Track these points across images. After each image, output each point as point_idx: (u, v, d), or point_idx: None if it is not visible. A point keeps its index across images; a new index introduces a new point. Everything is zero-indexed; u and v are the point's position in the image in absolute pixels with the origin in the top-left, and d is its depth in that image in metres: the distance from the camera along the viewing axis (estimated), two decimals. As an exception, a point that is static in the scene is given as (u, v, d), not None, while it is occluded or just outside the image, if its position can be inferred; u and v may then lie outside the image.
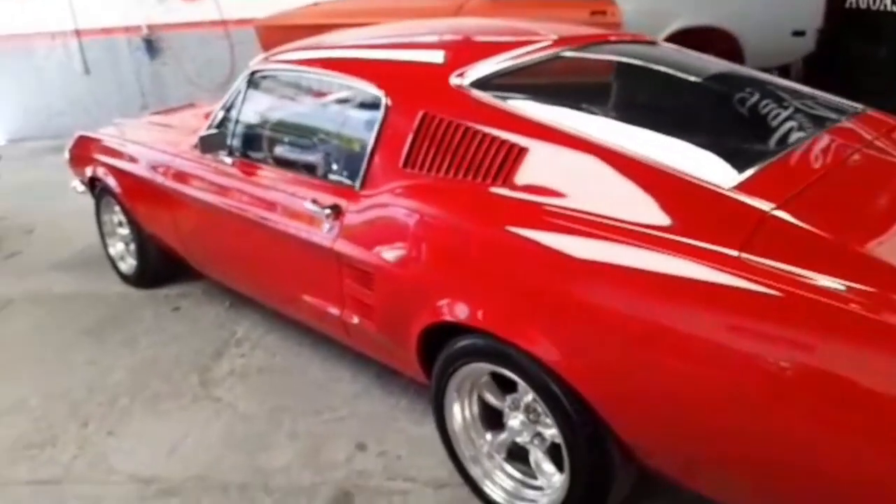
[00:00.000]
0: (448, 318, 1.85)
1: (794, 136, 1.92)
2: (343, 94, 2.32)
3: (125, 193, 3.37)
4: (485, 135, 1.87)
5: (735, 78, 2.45)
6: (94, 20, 7.18)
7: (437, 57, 2.32)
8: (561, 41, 2.38)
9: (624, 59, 2.47)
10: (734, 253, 1.44)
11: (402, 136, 2.04)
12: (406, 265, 1.97)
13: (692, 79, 2.34)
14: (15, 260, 4.29)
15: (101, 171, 3.52)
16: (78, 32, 7.26)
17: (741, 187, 1.59)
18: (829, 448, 1.31)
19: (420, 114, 2.00)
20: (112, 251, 3.77)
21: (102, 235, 3.80)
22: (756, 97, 2.19)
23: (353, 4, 5.56)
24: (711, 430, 1.47)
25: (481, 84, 2.03)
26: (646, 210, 1.59)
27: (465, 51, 2.29)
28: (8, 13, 7.19)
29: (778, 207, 1.53)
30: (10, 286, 3.86)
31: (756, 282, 1.38)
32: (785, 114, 2.07)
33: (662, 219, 1.57)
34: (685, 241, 1.49)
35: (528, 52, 2.26)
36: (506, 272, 1.73)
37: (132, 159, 3.27)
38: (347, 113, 2.30)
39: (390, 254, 2.01)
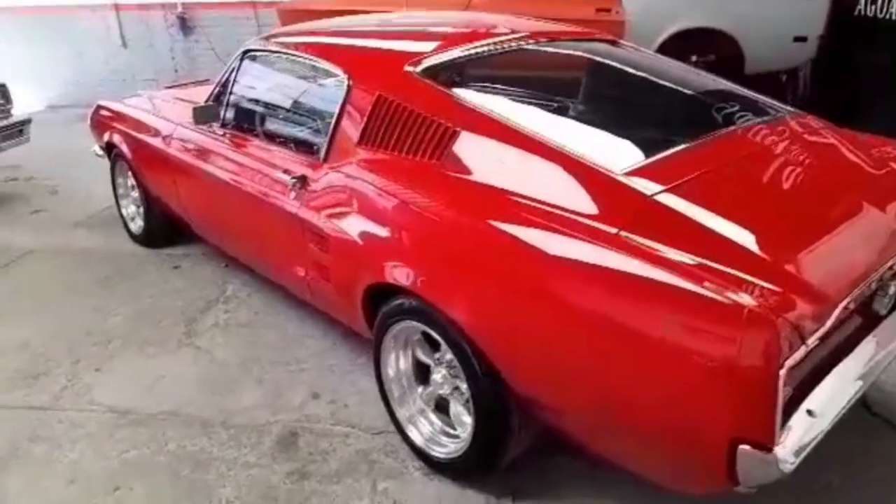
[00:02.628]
0: (385, 279, 2.07)
1: (706, 129, 2.08)
2: (316, 76, 2.55)
3: (134, 159, 3.67)
4: (425, 117, 2.08)
5: (670, 76, 2.61)
6: (133, -4, 7.56)
7: (402, 45, 2.54)
8: (523, 36, 2.57)
9: (573, 55, 2.66)
10: (613, 230, 1.64)
11: (360, 115, 2.27)
12: (353, 231, 2.20)
13: (630, 75, 2.52)
14: (39, 216, 4.65)
15: (115, 138, 3.82)
16: (117, 7, 7.65)
17: (634, 172, 1.78)
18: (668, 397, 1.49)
19: (375, 95, 2.22)
20: (124, 212, 4.08)
21: (116, 197, 4.12)
22: (683, 94, 2.36)
23: (370, -7, 5.78)
24: (586, 384, 1.66)
25: (431, 71, 2.24)
26: (545, 189, 1.79)
27: (428, 40, 2.50)
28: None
29: (661, 192, 1.72)
30: (31, 239, 4.21)
31: (627, 255, 1.56)
32: (706, 109, 2.24)
33: (559, 198, 1.77)
34: (574, 217, 1.70)
35: (487, 45, 2.46)
36: (429, 241, 1.95)
37: (141, 127, 3.56)
38: (319, 92, 2.53)
39: (342, 221, 2.25)
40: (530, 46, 2.56)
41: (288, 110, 2.70)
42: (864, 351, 1.72)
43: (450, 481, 2.12)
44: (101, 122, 4.01)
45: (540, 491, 2.07)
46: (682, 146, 1.96)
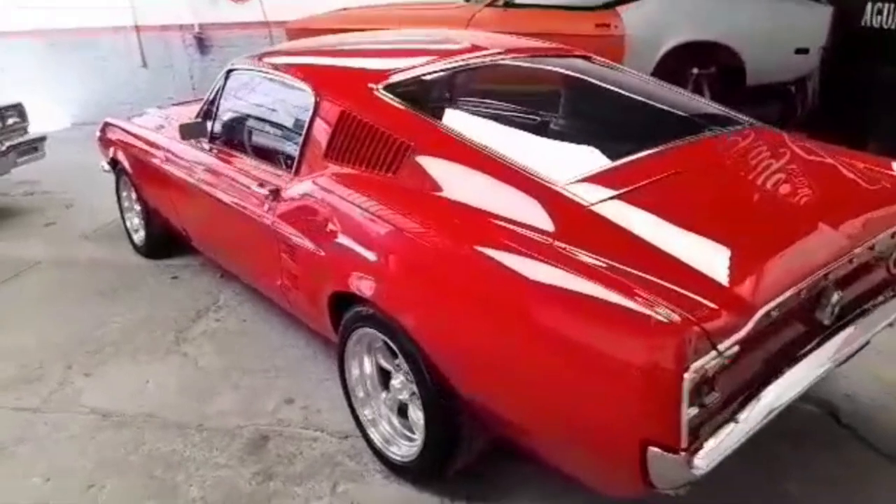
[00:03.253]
0: (345, 288, 2.15)
1: (661, 141, 2.13)
2: (289, 93, 2.64)
3: (135, 173, 3.82)
4: (383, 133, 2.16)
5: (636, 90, 2.65)
6: (153, 18, 7.82)
7: (371, 63, 2.63)
8: (495, 53, 2.64)
9: (541, 71, 2.72)
10: (548, 240, 1.69)
11: (326, 130, 2.36)
12: (318, 242, 2.28)
13: (594, 90, 2.57)
14: (51, 228, 4.84)
15: (119, 154, 3.99)
16: (138, 28, 7.92)
17: (577, 182, 1.84)
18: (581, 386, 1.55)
19: (339, 111, 2.32)
20: (128, 225, 4.24)
21: (121, 210, 4.28)
22: (645, 107, 2.40)
23: (373, 12, 5.93)
24: (519, 387, 1.71)
25: (394, 88, 2.32)
26: (488, 200, 1.86)
27: (399, 58, 2.59)
28: (77, 8, 7.89)
29: (600, 202, 1.77)
30: (41, 250, 4.39)
31: (554, 265, 1.62)
32: (665, 122, 2.29)
33: (500, 208, 1.83)
34: (512, 227, 1.76)
35: (456, 62, 2.54)
36: (380, 252, 2.02)
37: (140, 143, 3.71)
38: (291, 109, 2.62)
39: (307, 232, 2.33)
40: (500, 62, 2.63)
41: (266, 126, 2.81)
42: (804, 362, 1.75)
43: (408, 484, 2.17)
44: (107, 138, 4.18)
45: (494, 495, 2.11)
46: (633, 157, 2.01)
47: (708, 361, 1.40)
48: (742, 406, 1.60)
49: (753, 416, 1.58)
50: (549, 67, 2.74)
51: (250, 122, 2.90)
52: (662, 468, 1.42)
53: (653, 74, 5.84)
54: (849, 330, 1.92)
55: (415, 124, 2.15)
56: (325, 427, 2.48)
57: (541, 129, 2.20)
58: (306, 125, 2.44)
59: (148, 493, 2.21)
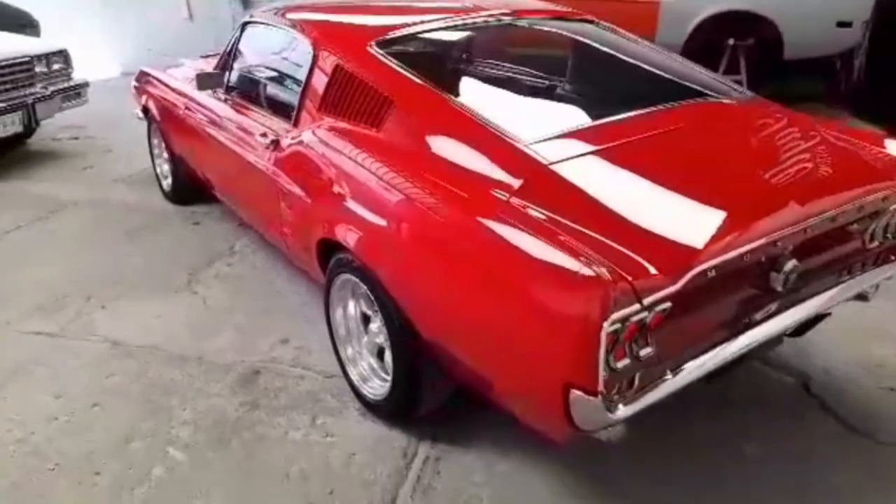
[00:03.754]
0: (331, 236, 2.27)
1: (640, 105, 2.16)
2: (295, 46, 2.75)
3: (162, 121, 4.00)
4: (369, 87, 2.25)
5: (631, 55, 2.65)
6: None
7: (372, 20, 2.70)
8: (497, 13, 2.68)
9: (539, 33, 2.74)
10: (504, 195, 1.77)
11: (321, 84, 2.46)
12: (308, 191, 2.41)
13: (586, 54, 2.59)
14: (89, 172, 5.11)
15: (150, 102, 4.17)
16: (185, -18, 8.12)
17: (542, 141, 1.90)
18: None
19: (333, 66, 2.41)
20: (158, 171, 4.45)
21: (152, 157, 4.48)
22: (634, 72, 2.42)
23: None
24: (470, 331, 1.82)
25: (388, 45, 2.39)
26: (456, 155, 1.94)
27: (403, 15, 2.65)
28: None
29: (561, 161, 1.84)
30: (77, 192, 4.65)
31: (505, 220, 1.70)
32: (648, 87, 2.30)
33: (466, 162, 1.91)
34: (475, 181, 1.84)
35: (456, 21, 2.59)
36: (356, 202, 2.13)
37: (168, 93, 3.88)
38: (296, 62, 2.73)
39: (299, 181, 2.46)
40: (499, 23, 2.67)
41: (274, 78, 2.93)
42: (753, 327, 1.81)
43: (381, 423, 2.31)
44: (141, 87, 4.37)
45: (458, 438, 2.23)
46: (606, 120, 2.06)
47: (632, 314, 1.47)
48: (679, 363, 1.68)
49: (684, 374, 1.66)
50: (548, 30, 2.76)
51: (261, 74, 3.02)
52: (582, 410, 1.50)
53: (685, 44, 5.75)
54: (809, 299, 1.96)
55: (398, 81, 2.23)
56: (312, 366, 2.64)
57: (525, 90, 2.26)
58: (305, 78, 2.54)
59: (144, 414, 2.40)
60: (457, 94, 2.12)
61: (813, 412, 2.37)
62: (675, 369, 1.67)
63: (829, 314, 2.18)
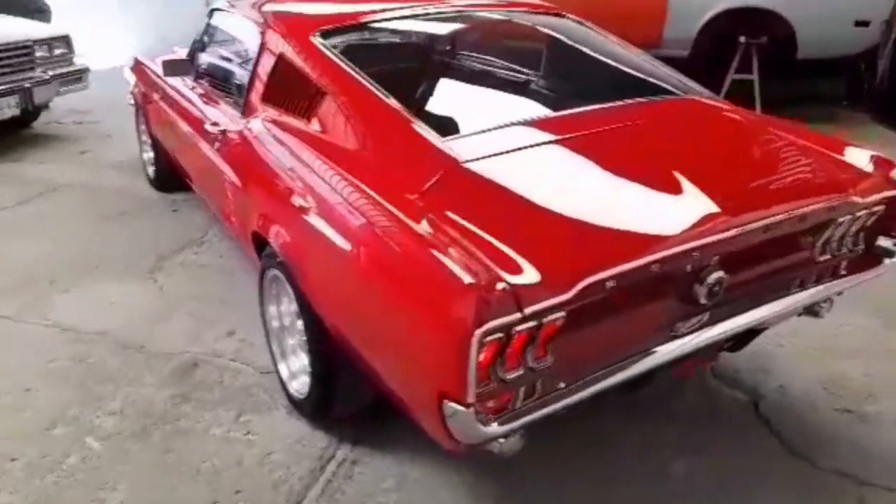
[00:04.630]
0: (258, 229, 2.23)
1: (578, 102, 2.07)
2: (248, 34, 2.70)
3: (143, 108, 4.01)
4: (305, 79, 2.19)
5: (590, 48, 2.54)
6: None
7: (322, 9, 2.64)
8: (461, 5, 2.60)
9: (494, 23, 2.65)
10: (409, 194, 1.70)
11: (265, 73, 2.41)
12: (244, 182, 2.37)
13: (538, 47, 2.49)
14: (85, 156, 5.17)
15: (136, 89, 4.19)
16: (201, -30, 8.15)
17: (460, 138, 1.83)
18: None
19: (275, 56, 2.36)
20: (144, 157, 4.47)
21: (140, 144, 4.51)
22: (586, 68, 2.32)
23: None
24: (368, 333, 1.76)
25: (329, 34, 2.33)
26: (372, 150, 1.88)
27: (360, 3, 2.58)
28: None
29: (475, 160, 1.76)
30: (71, 175, 4.71)
31: (400, 220, 1.63)
32: (594, 84, 2.21)
33: (380, 156, 1.85)
34: (379, 179, 1.78)
35: (411, 11, 2.52)
36: (274, 195, 2.08)
37: (149, 81, 3.88)
38: (249, 50, 2.69)
39: (239, 172, 2.42)
40: (457, 14, 2.58)
41: (232, 66, 2.89)
42: (674, 340, 1.72)
43: (306, 423, 2.26)
44: (133, 74, 4.39)
45: (378, 443, 2.16)
46: (540, 116, 1.98)
47: (512, 323, 1.39)
48: (583, 375, 1.59)
49: (585, 388, 1.57)
50: (508, 22, 2.67)
51: (222, 62, 2.99)
52: (456, 421, 1.43)
53: (695, 41, 5.57)
54: (743, 313, 1.85)
55: (334, 73, 2.16)
56: (252, 361, 2.60)
57: (472, 82, 2.17)
58: (251, 67, 2.50)
59: (74, 401, 2.39)
60: (394, 88, 2.04)
61: (756, 431, 2.25)
62: (575, 383, 1.59)
63: (766, 328, 2.06)
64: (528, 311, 1.41)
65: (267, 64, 2.42)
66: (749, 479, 2.04)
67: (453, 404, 1.42)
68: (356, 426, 2.21)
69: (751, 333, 2.02)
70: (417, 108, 1.97)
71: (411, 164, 1.80)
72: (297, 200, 1.96)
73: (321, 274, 1.89)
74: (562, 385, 1.56)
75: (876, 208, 2.04)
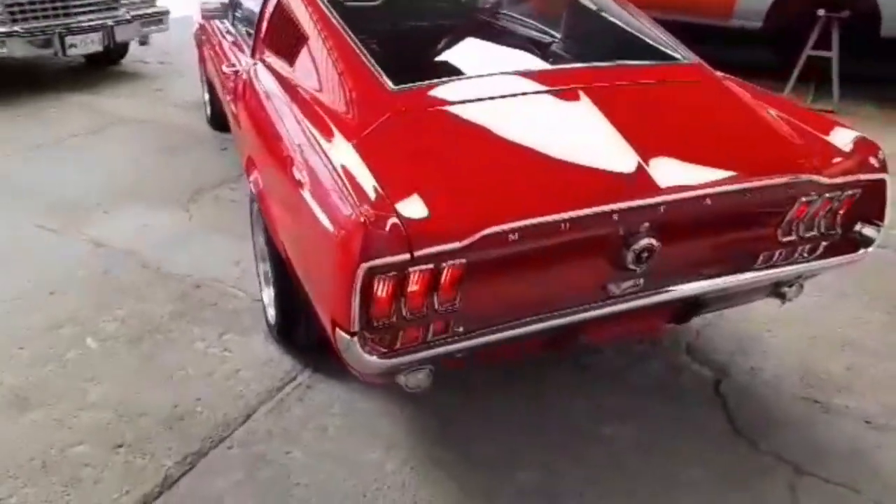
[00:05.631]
0: (244, 164, 2.41)
1: (552, 60, 2.09)
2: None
3: (199, 50, 4.27)
4: (295, 25, 2.31)
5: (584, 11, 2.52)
6: None
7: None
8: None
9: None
10: (353, 140, 1.81)
11: (267, 16, 2.55)
12: (239, 123, 2.54)
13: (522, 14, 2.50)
14: (158, 93, 5.55)
15: (195, 31, 4.45)
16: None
17: (407, 90, 1.90)
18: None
19: (276, 1, 2.49)
20: (205, 98, 4.76)
21: (202, 84, 4.80)
22: (572, 29, 2.32)
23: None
24: (298, 258, 1.90)
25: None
26: (329, 93, 1.99)
27: None
28: None
29: (418, 111, 1.84)
30: (139, 110, 5.08)
31: (330, 156, 1.75)
32: (574, 45, 2.20)
33: (335, 102, 1.96)
34: (327, 121, 1.89)
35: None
36: (253, 134, 2.23)
37: (202, 21, 4.12)
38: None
39: (240, 111, 2.59)
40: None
41: (253, 10, 3.04)
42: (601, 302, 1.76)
43: (276, 347, 2.44)
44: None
45: (336, 373, 2.28)
46: (494, 72, 2.02)
47: (402, 263, 1.48)
48: (486, 325, 1.66)
49: (483, 336, 1.64)
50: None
51: (248, 5, 3.16)
52: (345, 349, 1.54)
53: (768, 13, 5.27)
54: (682, 284, 1.85)
55: (319, 19, 2.25)
56: (247, 289, 2.80)
57: (441, 41, 2.24)
58: (259, 12, 2.65)
59: (87, 306, 2.68)
60: (371, 38, 2.13)
61: (707, 408, 2.24)
62: (475, 331, 1.65)
63: (717, 305, 2.03)
64: (418, 253, 1.49)
65: (270, 7, 2.55)
66: (679, 452, 2.05)
67: (341, 332, 1.53)
68: (321, 355, 2.36)
69: (695, 306, 2.00)
70: (387, 57, 2.04)
71: (362, 108, 1.89)
72: (266, 140, 2.10)
73: (275, 208, 2.03)
74: (460, 329, 1.64)
75: (849, 191, 1.97)
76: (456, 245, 1.52)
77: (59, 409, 2.15)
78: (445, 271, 1.56)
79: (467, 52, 2.26)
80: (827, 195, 1.93)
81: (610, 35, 2.35)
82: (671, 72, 2.24)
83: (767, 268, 1.97)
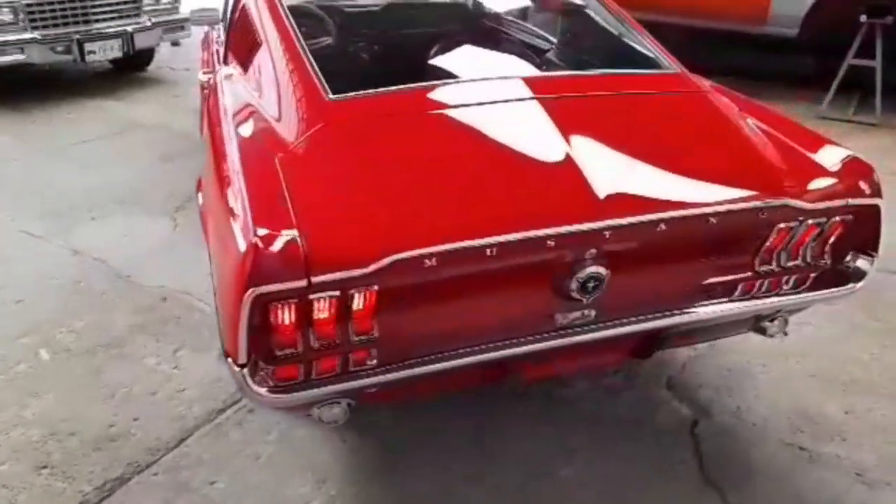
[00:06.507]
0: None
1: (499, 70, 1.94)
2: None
3: (202, 52, 4.25)
4: (253, 32, 2.21)
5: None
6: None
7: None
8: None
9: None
10: (277, 149, 1.69)
11: (233, 24, 2.47)
12: (202, 130, 2.46)
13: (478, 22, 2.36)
14: (176, 100, 5.59)
15: (202, 36, 4.44)
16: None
17: (347, 100, 1.78)
18: None
19: (240, 10, 2.40)
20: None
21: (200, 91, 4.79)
22: (538, 38, 2.16)
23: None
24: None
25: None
26: (268, 96, 1.90)
27: None
28: None
29: (352, 121, 1.71)
30: (153, 116, 5.12)
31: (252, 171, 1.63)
32: (533, 52, 2.05)
33: (275, 112, 1.85)
34: (266, 129, 1.81)
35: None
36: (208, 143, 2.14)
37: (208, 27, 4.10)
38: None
39: (203, 122, 2.51)
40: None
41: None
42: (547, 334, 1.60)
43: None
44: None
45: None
46: (438, 83, 1.87)
47: (297, 290, 1.35)
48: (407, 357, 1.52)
49: (402, 369, 1.49)
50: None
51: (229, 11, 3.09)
52: (236, 379, 1.42)
53: (805, 19, 4.97)
54: (645, 320, 1.67)
55: (277, 27, 2.15)
56: (212, 302, 2.72)
57: (406, 49, 2.10)
58: (229, 18, 2.56)
59: (50, 316, 2.63)
60: (324, 51, 2.03)
61: (679, 450, 2.03)
62: (395, 363, 1.51)
63: (671, 338, 1.83)
64: (317, 280, 1.35)
65: (237, 13, 2.47)
66: (638, 498, 1.85)
67: (231, 363, 1.41)
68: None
69: (657, 341, 1.80)
70: (339, 65, 1.92)
71: (299, 117, 1.78)
72: (210, 156, 2.00)
73: (208, 227, 1.93)
74: (374, 362, 1.49)
75: (837, 217, 1.75)
76: (361, 271, 1.37)
77: (-8, 425, 2.10)
78: (357, 299, 1.42)
79: (428, 61, 2.13)
80: (810, 221, 1.72)
81: (585, 40, 2.19)
82: (648, 82, 2.05)
83: (741, 300, 1.77)
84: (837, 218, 1.74)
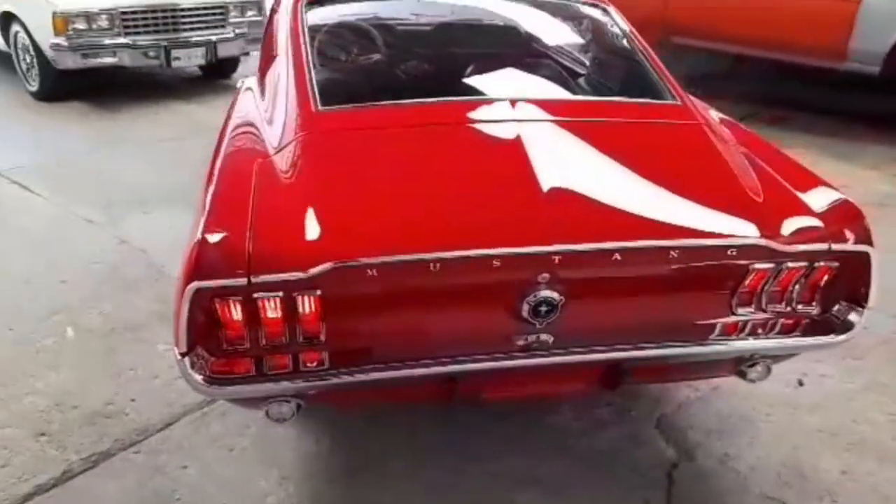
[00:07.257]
0: None
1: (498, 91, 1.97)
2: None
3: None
4: (273, 42, 2.34)
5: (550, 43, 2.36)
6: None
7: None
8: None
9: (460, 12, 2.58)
10: (261, 153, 1.80)
11: (265, 35, 2.62)
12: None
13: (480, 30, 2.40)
14: (249, 107, 5.86)
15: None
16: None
17: (332, 111, 1.86)
18: None
19: (270, 16, 2.54)
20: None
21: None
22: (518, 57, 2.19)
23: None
24: None
25: (313, 4, 2.42)
26: (264, 111, 2.00)
27: None
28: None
29: (335, 133, 1.79)
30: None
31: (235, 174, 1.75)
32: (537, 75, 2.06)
33: (266, 119, 1.96)
34: (256, 126, 1.93)
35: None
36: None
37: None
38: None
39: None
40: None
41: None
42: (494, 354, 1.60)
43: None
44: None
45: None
46: (429, 101, 1.92)
47: (237, 287, 1.42)
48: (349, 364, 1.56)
49: (337, 377, 1.54)
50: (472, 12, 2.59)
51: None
52: (179, 368, 1.50)
53: (889, 56, 4.69)
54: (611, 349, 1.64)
55: (292, 39, 2.27)
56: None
57: (389, 60, 2.20)
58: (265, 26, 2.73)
59: (83, 297, 2.84)
60: (330, 64, 2.13)
61: (651, 493, 1.96)
62: (340, 368, 1.56)
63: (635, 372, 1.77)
64: (257, 279, 1.42)
65: (269, 28, 2.61)
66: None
67: (174, 350, 1.50)
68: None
69: (623, 373, 1.75)
70: (340, 78, 2.02)
71: (286, 126, 1.88)
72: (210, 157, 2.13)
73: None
74: (324, 366, 1.54)
75: (822, 263, 1.66)
76: (299, 275, 1.43)
77: (8, 391, 2.28)
78: (301, 302, 1.48)
79: (429, 78, 2.18)
80: (790, 264, 1.64)
81: (577, 66, 2.18)
82: (644, 111, 2.02)
83: (714, 342, 1.70)
84: (822, 263, 1.66)
